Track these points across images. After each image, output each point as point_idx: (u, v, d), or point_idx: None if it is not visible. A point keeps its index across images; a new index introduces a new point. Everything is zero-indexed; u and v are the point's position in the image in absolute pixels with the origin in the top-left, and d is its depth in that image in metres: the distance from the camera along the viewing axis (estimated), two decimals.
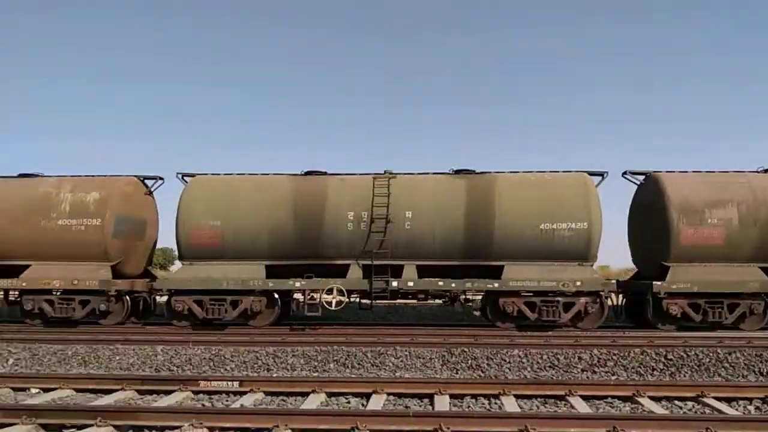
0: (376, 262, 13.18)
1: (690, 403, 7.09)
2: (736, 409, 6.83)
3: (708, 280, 13.02)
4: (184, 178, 14.40)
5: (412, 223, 13.30)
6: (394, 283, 13.11)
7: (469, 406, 7.05)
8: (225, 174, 14.38)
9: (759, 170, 13.98)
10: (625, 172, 14.66)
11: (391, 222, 13.14)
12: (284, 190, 13.77)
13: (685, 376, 9.41)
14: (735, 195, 13.32)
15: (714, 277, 13.05)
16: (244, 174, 14.34)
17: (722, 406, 6.79)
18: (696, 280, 13.03)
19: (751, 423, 5.68)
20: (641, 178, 14.58)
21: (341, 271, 13.47)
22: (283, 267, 13.58)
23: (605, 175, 13.96)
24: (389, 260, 13.24)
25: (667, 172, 14.21)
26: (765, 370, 9.42)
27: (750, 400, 7.15)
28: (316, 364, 10.05)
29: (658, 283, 13.11)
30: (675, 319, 13.21)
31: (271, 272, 13.46)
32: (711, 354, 9.97)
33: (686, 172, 14.16)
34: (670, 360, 9.82)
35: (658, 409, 6.78)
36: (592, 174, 13.88)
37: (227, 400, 7.34)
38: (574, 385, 7.40)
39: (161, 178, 15.09)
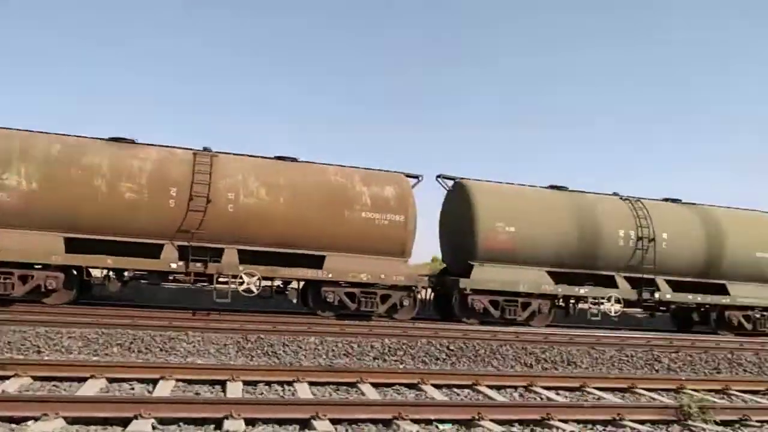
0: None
1: (466, 390, 7.78)
2: (504, 396, 7.65)
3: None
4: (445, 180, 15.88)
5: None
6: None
7: (262, 393, 6.95)
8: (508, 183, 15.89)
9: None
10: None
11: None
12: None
13: (464, 365, 10.30)
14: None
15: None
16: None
17: (492, 393, 7.55)
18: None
19: (514, 408, 6.39)
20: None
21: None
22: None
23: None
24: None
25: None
26: (529, 362, 10.70)
27: (515, 387, 8.07)
28: (96, 347, 9.17)
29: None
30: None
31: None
32: (486, 346, 11.09)
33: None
34: (452, 350, 10.70)
35: (438, 395, 7.32)
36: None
37: None
38: (365, 373, 7.65)
39: (421, 177, 15.15)
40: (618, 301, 15.34)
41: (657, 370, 10.85)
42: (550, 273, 15.21)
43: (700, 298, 16.04)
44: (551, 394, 7.78)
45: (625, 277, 15.73)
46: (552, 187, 16.34)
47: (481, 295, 14.44)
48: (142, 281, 13.48)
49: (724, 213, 17.18)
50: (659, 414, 6.62)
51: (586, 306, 15.50)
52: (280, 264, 13.36)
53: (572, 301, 15.59)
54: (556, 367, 10.55)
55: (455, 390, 7.76)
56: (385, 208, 14.01)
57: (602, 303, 15.24)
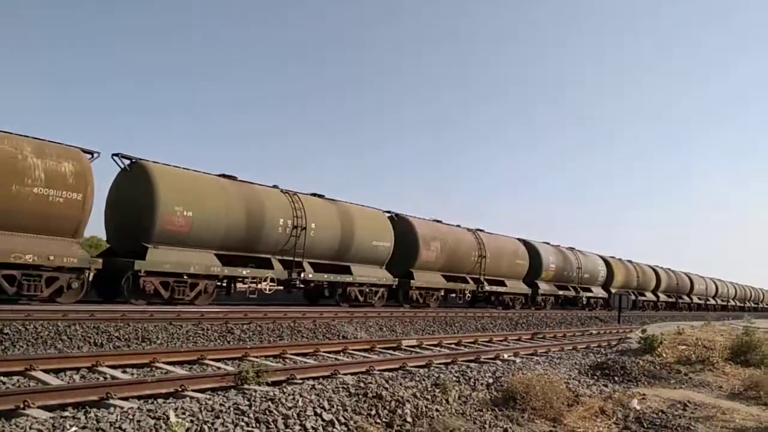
0: None
1: (16, 378, 6.91)
2: (63, 379, 7.05)
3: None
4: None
5: None
6: None
7: None
8: None
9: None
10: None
11: None
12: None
13: (19, 349, 9.09)
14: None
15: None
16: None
17: (48, 377, 6.88)
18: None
19: (67, 391, 5.96)
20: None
21: None
22: None
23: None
24: None
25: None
26: (100, 341, 10.11)
27: (78, 369, 7.53)
28: None
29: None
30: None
31: None
32: (51, 327, 10.04)
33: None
34: (6, 334, 9.34)
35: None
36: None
37: None
38: None
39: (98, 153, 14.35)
40: (273, 280, 17.32)
41: (229, 341, 11.60)
42: (218, 255, 16.18)
43: (332, 277, 19.26)
44: (117, 373, 7.54)
45: (280, 260, 17.74)
46: (223, 175, 17.22)
47: (154, 277, 14.54)
48: None
49: (356, 208, 20.98)
50: (220, 381, 7.11)
51: (245, 286, 17.04)
52: None
53: (236, 280, 16.96)
54: (129, 344, 10.26)
55: (1, 379, 6.80)
56: (60, 185, 12.94)
57: (260, 282, 16.95)
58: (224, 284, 16.87)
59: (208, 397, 5.91)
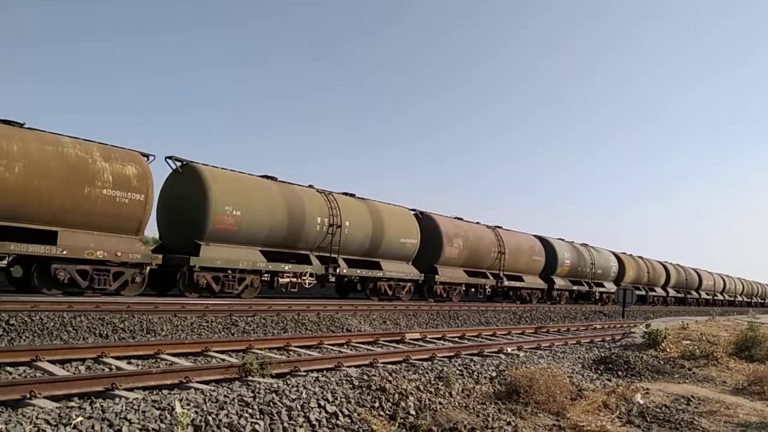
0: None
1: (23, 368, 6.96)
2: (69, 370, 7.10)
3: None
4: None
5: None
6: None
7: None
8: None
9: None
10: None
11: None
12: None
13: (25, 341, 9.15)
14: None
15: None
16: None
17: (54, 368, 6.93)
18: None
19: (73, 382, 6.00)
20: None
21: None
22: None
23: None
24: None
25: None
26: (105, 332, 10.16)
27: (83, 360, 7.58)
28: None
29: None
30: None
31: None
32: (57, 318, 10.10)
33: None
34: (12, 325, 9.40)
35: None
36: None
37: None
38: None
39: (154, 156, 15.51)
40: (312, 275, 18.48)
41: (233, 334, 11.64)
42: (262, 252, 17.25)
43: (364, 272, 20.55)
44: (122, 364, 7.58)
45: (317, 256, 18.96)
46: (265, 176, 18.31)
47: (206, 272, 15.64)
48: None
49: (384, 206, 21.98)
50: (224, 373, 7.13)
51: (286, 280, 17.98)
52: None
53: (278, 275, 17.75)
54: (134, 336, 10.31)
55: (8, 369, 6.85)
56: (126, 187, 14.23)
57: (301, 277, 18.14)
58: (267, 279, 17.78)
59: (212, 388, 5.94)
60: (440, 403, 6.02)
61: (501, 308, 23.03)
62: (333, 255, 19.19)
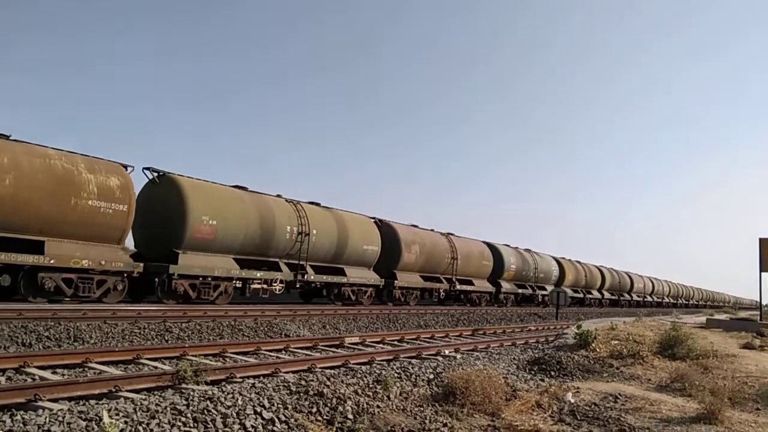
0: None
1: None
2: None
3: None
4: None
5: None
6: None
7: None
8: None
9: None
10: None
11: None
12: None
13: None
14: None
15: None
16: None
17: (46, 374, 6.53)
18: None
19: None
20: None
21: None
22: None
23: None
24: None
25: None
26: (29, 341, 9.65)
27: (3, 371, 7.17)
28: None
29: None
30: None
31: None
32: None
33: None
34: None
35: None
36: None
37: None
38: None
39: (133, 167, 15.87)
40: (281, 281, 18.96)
41: (167, 340, 11.29)
42: (236, 259, 17.75)
43: (329, 278, 20.96)
44: (47, 374, 7.22)
45: (286, 263, 19.47)
46: (237, 186, 18.84)
47: (184, 279, 16.02)
48: None
49: (348, 215, 22.63)
50: (156, 381, 6.91)
51: (258, 287, 18.56)
52: None
53: (250, 282, 18.23)
54: (60, 344, 9.84)
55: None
56: (110, 198, 14.59)
57: (272, 284, 18.66)
58: (239, 285, 18.19)
59: (143, 397, 5.75)
60: (378, 406, 6.04)
61: (440, 311, 23.36)
62: (301, 262, 19.90)
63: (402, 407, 6.26)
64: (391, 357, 10.64)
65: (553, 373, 9.63)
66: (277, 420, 5.17)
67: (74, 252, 13.93)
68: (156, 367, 8.20)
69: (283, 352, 10.79)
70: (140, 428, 4.49)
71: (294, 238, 19.44)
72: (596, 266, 48.42)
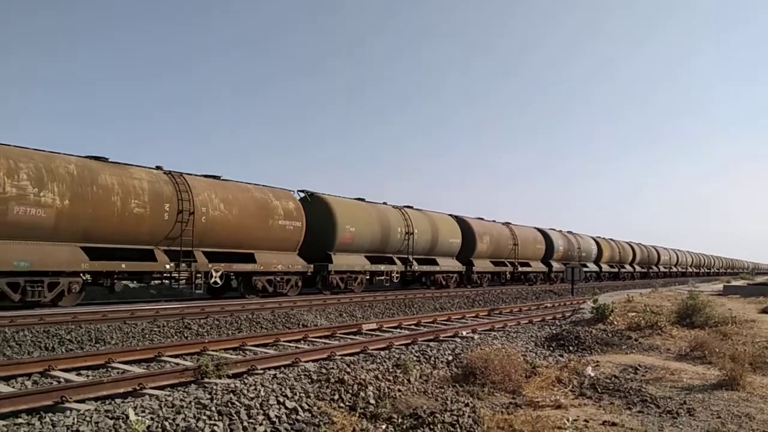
0: None
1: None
2: (14, 386, 6.82)
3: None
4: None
5: None
6: None
7: None
8: None
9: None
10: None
11: None
12: None
13: None
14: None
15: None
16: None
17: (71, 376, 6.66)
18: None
19: (18, 398, 5.77)
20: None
21: None
22: None
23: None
24: None
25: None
26: (51, 345, 9.79)
27: (29, 375, 7.30)
28: None
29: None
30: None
31: None
32: None
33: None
34: None
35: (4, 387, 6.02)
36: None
37: None
38: None
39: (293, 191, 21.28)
40: (397, 272, 23.87)
41: (186, 337, 11.41)
42: (366, 256, 22.50)
43: (428, 268, 25.70)
44: (71, 376, 7.34)
45: (398, 257, 24.18)
46: (359, 198, 23.53)
47: (337, 274, 20.87)
48: None
49: (436, 215, 27.59)
50: (179, 377, 7.00)
51: (381, 277, 23.30)
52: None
53: (376, 274, 23.09)
54: (82, 346, 9.97)
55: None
56: (290, 217, 19.29)
57: (390, 274, 23.47)
58: (368, 277, 22.85)
59: (167, 393, 5.84)
60: (399, 390, 6.08)
61: (455, 294, 23.49)
62: (408, 256, 24.49)
63: (423, 390, 6.30)
64: (409, 341, 10.70)
65: (571, 348, 9.64)
66: (300, 409, 5.23)
67: (272, 260, 18.44)
68: (177, 364, 8.29)
69: (302, 341, 10.88)
70: (166, 424, 4.56)
71: (402, 237, 24.05)
72: (627, 242, 52.51)
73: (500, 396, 6.40)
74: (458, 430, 5.04)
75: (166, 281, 16.21)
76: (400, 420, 5.27)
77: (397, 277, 23.79)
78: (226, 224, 17.00)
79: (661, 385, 7.14)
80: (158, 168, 16.37)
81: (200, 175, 17.49)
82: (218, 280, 16.62)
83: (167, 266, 15.30)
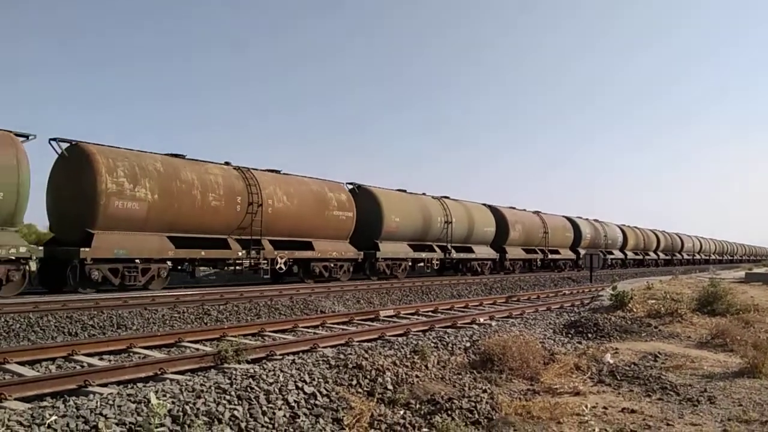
0: None
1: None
2: (39, 370, 6.97)
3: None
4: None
5: None
6: None
7: None
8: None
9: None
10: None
11: None
12: None
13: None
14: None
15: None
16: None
17: (23, 369, 6.79)
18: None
19: (44, 381, 5.89)
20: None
21: None
22: None
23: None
24: None
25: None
26: (74, 330, 9.97)
27: (53, 359, 7.45)
28: None
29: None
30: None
31: None
32: (23, 319, 9.88)
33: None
34: None
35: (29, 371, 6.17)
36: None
37: None
38: None
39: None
40: (437, 259, 25.36)
41: (206, 323, 11.55)
42: (409, 245, 23.95)
43: (464, 255, 27.17)
44: (94, 360, 7.46)
45: (437, 245, 25.53)
46: (400, 190, 25.05)
47: (383, 261, 22.37)
48: None
49: (471, 204, 28.89)
50: (199, 362, 7.10)
51: (421, 264, 24.71)
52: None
53: (417, 261, 24.55)
54: (104, 332, 10.14)
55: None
56: (343, 208, 20.88)
57: (431, 261, 24.98)
58: (410, 264, 24.09)
59: (188, 378, 5.91)
60: (417, 376, 6.10)
61: (472, 281, 23.44)
62: (446, 244, 25.92)
63: (440, 376, 6.31)
64: (426, 327, 10.72)
65: (590, 335, 9.59)
66: (318, 394, 5.27)
67: (328, 247, 20.04)
68: (198, 349, 8.39)
69: (320, 327, 10.95)
70: (187, 408, 4.62)
71: (442, 226, 25.47)
72: (651, 230, 53.80)
73: (518, 383, 6.39)
74: (476, 416, 5.05)
75: (238, 267, 17.39)
76: (417, 406, 5.29)
77: (437, 264, 25.30)
78: (289, 215, 18.66)
79: (681, 372, 7.07)
80: (227, 164, 17.83)
81: (264, 170, 19.10)
82: (282, 266, 18.29)
83: (239, 253, 16.98)
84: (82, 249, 13.48)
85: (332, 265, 20.27)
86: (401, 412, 5.16)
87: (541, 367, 6.85)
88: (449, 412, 5.05)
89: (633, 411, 5.37)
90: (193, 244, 15.98)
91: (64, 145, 14.66)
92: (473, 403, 5.25)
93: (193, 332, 9.40)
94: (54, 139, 14.52)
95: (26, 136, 13.62)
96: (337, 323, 11.49)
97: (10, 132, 13.28)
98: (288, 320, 11.23)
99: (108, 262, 14.12)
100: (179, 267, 16.31)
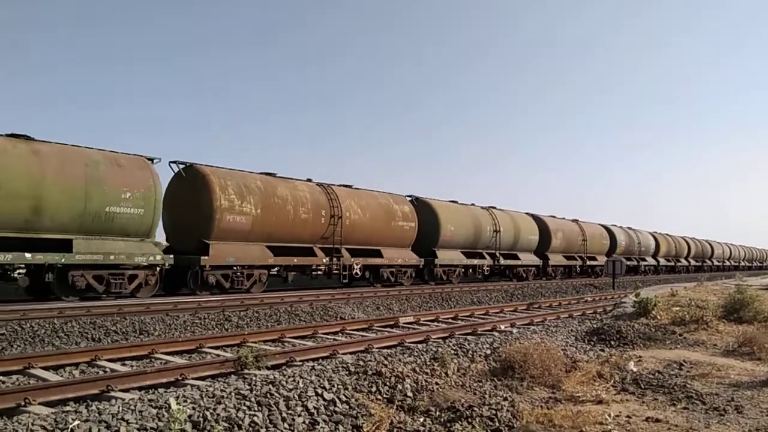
0: None
1: (15, 377, 6.91)
2: (62, 375, 7.06)
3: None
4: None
5: None
6: None
7: None
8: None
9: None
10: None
11: None
12: None
13: (17, 349, 9.07)
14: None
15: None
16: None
17: (47, 374, 6.89)
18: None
19: (67, 386, 5.96)
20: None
21: None
22: None
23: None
24: None
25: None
26: (97, 336, 10.10)
27: (77, 364, 7.52)
28: None
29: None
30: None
31: None
32: (47, 325, 10.03)
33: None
34: (1, 334, 9.32)
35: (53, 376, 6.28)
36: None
37: None
38: None
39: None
40: (487, 266, 27.26)
41: (227, 329, 11.61)
42: (462, 252, 25.79)
43: (510, 262, 29.29)
44: (116, 366, 7.55)
45: (486, 252, 27.49)
46: (452, 201, 26.82)
47: (441, 267, 24.33)
48: None
49: (516, 214, 30.87)
50: (219, 368, 7.13)
51: (471, 270, 26.71)
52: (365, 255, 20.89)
53: (469, 267, 26.65)
54: (127, 337, 10.25)
55: (0, 378, 6.80)
56: (406, 219, 22.83)
57: (481, 268, 26.90)
58: (463, 270, 26.13)
59: (208, 384, 5.94)
60: (437, 383, 6.06)
61: (492, 287, 23.29)
62: (495, 251, 27.94)
63: (461, 383, 6.26)
64: (446, 334, 10.66)
65: (612, 342, 9.44)
66: (338, 400, 5.26)
67: (394, 255, 22.00)
68: (218, 355, 8.45)
69: (340, 334, 10.95)
70: (207, 413, 4.64)
71: (491, 235, 27.43)
72: (682, 237, 55.10)
73: (539, 390, 6.31)
74: (497, 424, 4.99)
75: (319, 272, 19.73)
76: (437, 413, 5.25)
77: (487, 270, 27.30)
78: (363, 225, 20.72)
79: (707, 381, 6.93)
80: (309, 180, 20.17)
81: (338, 185, 21.17)
82: (358, 271, 20.29)
83: (324, 260, 19.16)
84: (202, 257, 15.52)
85: (397, 270, 22.26)
86: (421, 420, 5.13)
87: (563, 375, 6.76)
88: (469, 420, 5.00)
89: (657, 420, 5.27)
90: (286, 252, 18.11)
91: (181, 165, 16.73)
92: (494, 411, 5.19)
93: (214, 338, 9.46)
94: (174, 162, 16.62)
95: (152, 159, 15.58)
96: (357, 329, 11.47)
97: (142, 156, 15.28)
98: (308, 326, 11.24)
99: (221, 268, 16.10)
100: (272, 273, 18.44)
